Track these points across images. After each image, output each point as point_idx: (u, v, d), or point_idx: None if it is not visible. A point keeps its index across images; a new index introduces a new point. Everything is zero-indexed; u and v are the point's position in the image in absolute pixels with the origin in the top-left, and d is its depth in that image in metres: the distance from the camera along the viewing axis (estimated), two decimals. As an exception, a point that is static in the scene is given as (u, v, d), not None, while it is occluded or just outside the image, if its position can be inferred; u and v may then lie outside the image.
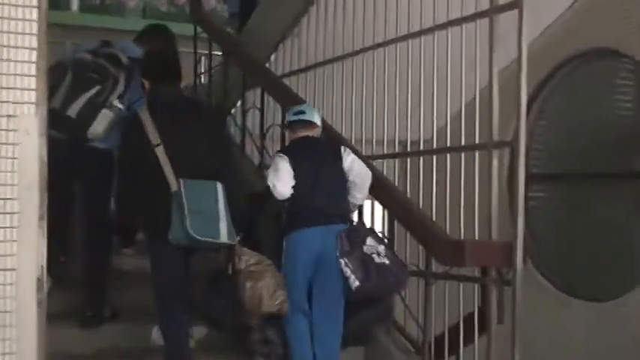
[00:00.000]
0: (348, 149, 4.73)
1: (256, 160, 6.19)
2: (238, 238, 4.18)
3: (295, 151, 4.64)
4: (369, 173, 4.73)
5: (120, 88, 4.51)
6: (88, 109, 4.42)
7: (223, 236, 4.10)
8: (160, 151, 4.10)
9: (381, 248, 4.44)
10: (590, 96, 7.05)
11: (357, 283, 4.30)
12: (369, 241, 4.44)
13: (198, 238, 4.01)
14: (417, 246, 4.87)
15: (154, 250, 4.24)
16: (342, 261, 4.32)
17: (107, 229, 4.57)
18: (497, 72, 4.42)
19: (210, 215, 4.07)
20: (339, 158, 4.62)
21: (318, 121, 4.79)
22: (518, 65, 4.26)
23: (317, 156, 4.60)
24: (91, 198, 4.63)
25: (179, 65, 4.63)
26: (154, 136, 4.13)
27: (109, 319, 4.64)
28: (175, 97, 4.43)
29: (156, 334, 4.38)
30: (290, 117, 4.79)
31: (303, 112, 4.77)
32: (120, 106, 4.48)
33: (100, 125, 4.43)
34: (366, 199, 4.90)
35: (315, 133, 4.75)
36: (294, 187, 4.48)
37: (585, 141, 6.98)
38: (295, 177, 4.48)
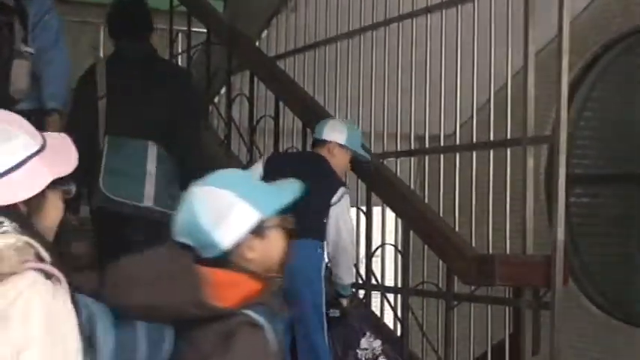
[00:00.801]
0: (347, 196, 4.66)
1: (244, 159, 6.20)
2: None
3: (277, 162, 4.75)
4: (347, 246, 4.67)
5: (20, 32, 4.60)
6: None
7: (147, 199, 4.37)
8: (102, 105, 4.45)
9: (377, 344, 4.59)
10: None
11: None
12: (364, 342, 4.57)
13: (112, 197, 4.30)
14: (436, 261, 4.89)
15: (94, 226, 4.56)
16: None
17: None
18: (533, 53, 4.44)
19: (132, 176, 4.38)
20: (328, 192, 4.57)
21: (332, 138, 4.78)
22: (559, 45, 4.27)
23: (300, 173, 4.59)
24: None
25: (145, 19, 4.89)
26: (101, 87, 4.49)
27: None
28: (140, 54, 4.75)
29: None
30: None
31: (319, 131, 4.85)
32: (29, 49, 4.58)
33: (19, 79, 4.54)
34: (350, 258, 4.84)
35: (327, 156, 4.75)
36: None
37: None
38: None
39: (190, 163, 4.49)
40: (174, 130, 4.58)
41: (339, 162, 4.79)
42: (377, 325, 4.93)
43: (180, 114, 4.65)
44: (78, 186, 1.99)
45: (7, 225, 1.68)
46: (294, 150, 5.76)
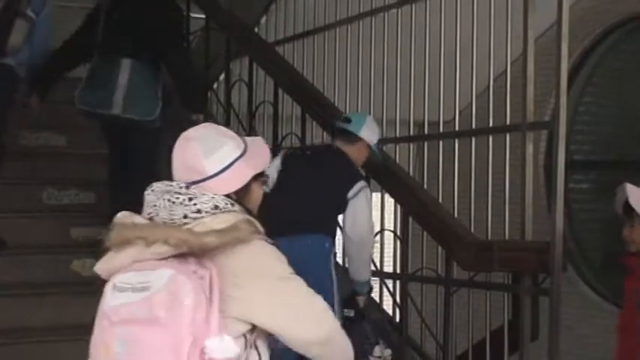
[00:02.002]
0: (366, 190, 4.55)
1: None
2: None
3: (299, 159, 4.69)
4: (363, 241, 4.55)
5: None
6: (3, 22, 4.95)
7: (116, 107, 5.05)
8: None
9: (388, 353, 4.58)
10: (644, 68, 7.05)
11: None
12: (377, 350, 4.54)
13: (82, 107, 5.15)
14: (435, 247, 4.88)
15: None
16: None
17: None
18: (532, 39, 4.42)
19: (104, 87, 5.08)
20: (344, 185, 4.51)
21: (369, 139, 4.71)
22: (558, 30, 4.25)
23: (314, 173, 4.58)
24: None
25: None
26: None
27: None
28: None
29: None
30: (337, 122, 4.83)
31: (348, 121, 4.76)
32: (32, 15, 5.00)
33: (16, 37, 4.97)
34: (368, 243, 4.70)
35: (352, 150, 4.68)
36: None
37: (639, 122, 6.99)
38: (281, 186, 4.52)
39: (185, 76, 5.23)
40: (154, 45, 5.16)
41: (361, 158, 4.74)
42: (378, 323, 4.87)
43: (162, 31, 5.21)
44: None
45: (236, 207, 2.34)
46: (296, 136, 5.74)
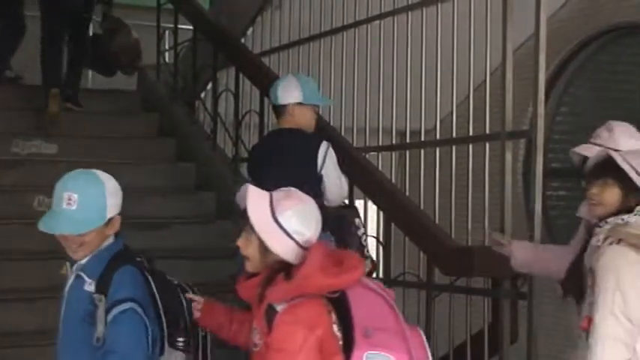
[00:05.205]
0: (328, 151, 4.48)
1: (230, 152, 6.19)
2: None
3: (261, 153, 4.65)
4: (337, 189, 4.53)
5: None
6: None
7: None
8: None
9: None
10: (619, 78, 7.09)
11: None
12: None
13: None
14: (417, 253, 4.89)
15: None
16: None
17: None
18: (511, 50, 4.44)
19: None
20: (314, 160, 4.45)
21: (290, 100, 4.52)
22: (536, 42, 4.28)
23: (285, 160, 4.47)
24: None
25: None
26: None
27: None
28: None
29: None
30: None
31: (275, 98, 4.60)
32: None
33: None
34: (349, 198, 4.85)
35: (294, 120, 4.54)
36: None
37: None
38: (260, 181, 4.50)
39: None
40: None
41: (302, 119, 4.57)
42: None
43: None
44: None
45: None
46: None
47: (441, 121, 5.08)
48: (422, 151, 5.16)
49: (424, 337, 2.73)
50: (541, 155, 4.30)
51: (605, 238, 2.99)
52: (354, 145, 5.37)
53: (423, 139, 5.18)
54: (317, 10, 6.00)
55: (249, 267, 2.79)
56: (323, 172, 4.46)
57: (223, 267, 4.93)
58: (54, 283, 5.09)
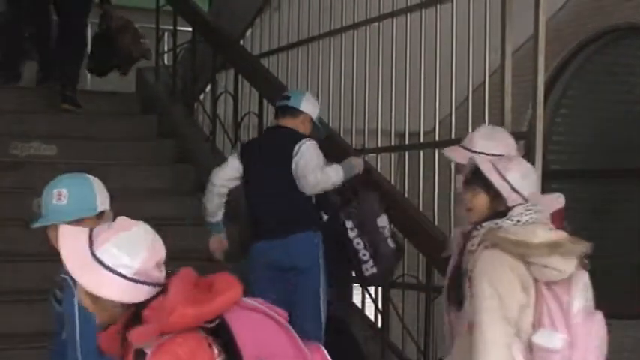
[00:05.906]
0: (305, 145, 4.52)
1: (229, 154, 6.17)
2: None
3: (253, 148, 4.71)
4: (309, 179, 4.49)
5: None
6: None
7: None
8: None
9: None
10: (619, 80, 7.08)
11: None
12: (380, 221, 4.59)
13: None
14: (416, 254, 4.88)
15: None
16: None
17: None
18: (510, 52, 4.44)
19: None
20: (290, 158, 4.52)
21: (309, 111, 4.70)
22: (535, 44, 4.27)
23: (269, 155, 4.59)
24: None
25: None
26: None
27: None
28: None
29: None
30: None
31: (288, 97, 4.75)
32: None
33: None
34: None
35: (296, 123, 4.67)
36: (247, 191, 4.65)
37: (614, 133, 7.01)
38: (248, 179, 4.62)
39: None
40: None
41: (305, 132, 4.67)
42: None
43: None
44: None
45: None
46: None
47: (440, 123, 5.07)
48: (421, 153, 5.15)
49: (327, 354, 2.44)
50: (540, 157, 4.29)
51: (480, 242, 3.03)
52: (354, 146, 5.35)
53: (422, 140, 5.17)
54: (316, 12, 5.99)
55: (99, 319, 2.37)
56: (294, 160, 4.50)
57: (223, 270, 4.91)
58: (53, 285, 5.13)
